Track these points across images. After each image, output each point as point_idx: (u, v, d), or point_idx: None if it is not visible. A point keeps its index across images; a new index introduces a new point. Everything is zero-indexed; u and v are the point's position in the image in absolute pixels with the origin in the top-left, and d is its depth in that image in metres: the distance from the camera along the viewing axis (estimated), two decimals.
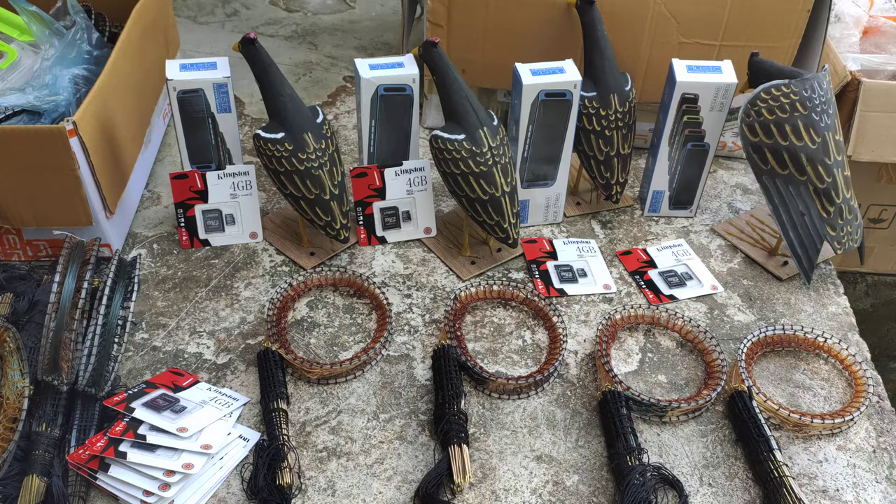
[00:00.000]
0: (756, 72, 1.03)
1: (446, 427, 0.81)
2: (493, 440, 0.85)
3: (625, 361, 0.94)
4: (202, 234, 1.06)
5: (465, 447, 0.80)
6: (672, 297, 1.03)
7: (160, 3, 1.21)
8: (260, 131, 0.98)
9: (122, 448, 0.76)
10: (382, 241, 1.09)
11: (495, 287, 1.00)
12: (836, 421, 0.86)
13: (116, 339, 0.87)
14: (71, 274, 0.86)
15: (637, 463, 0.79)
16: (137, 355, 0.92)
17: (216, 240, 1.07)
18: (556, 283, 1.03)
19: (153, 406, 0.81)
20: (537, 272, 1.05)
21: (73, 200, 0.94)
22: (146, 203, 1.14)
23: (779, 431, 0.87)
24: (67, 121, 0.88)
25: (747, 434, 0.83)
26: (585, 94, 1.05)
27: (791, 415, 0.86)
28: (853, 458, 0.85)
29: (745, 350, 0.91)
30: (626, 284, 1.05)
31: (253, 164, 1.06)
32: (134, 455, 0.76)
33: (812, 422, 0.85)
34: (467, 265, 1.05)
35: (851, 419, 0.87)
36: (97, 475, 0.76)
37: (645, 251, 1.09)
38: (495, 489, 0.80)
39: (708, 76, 1.03)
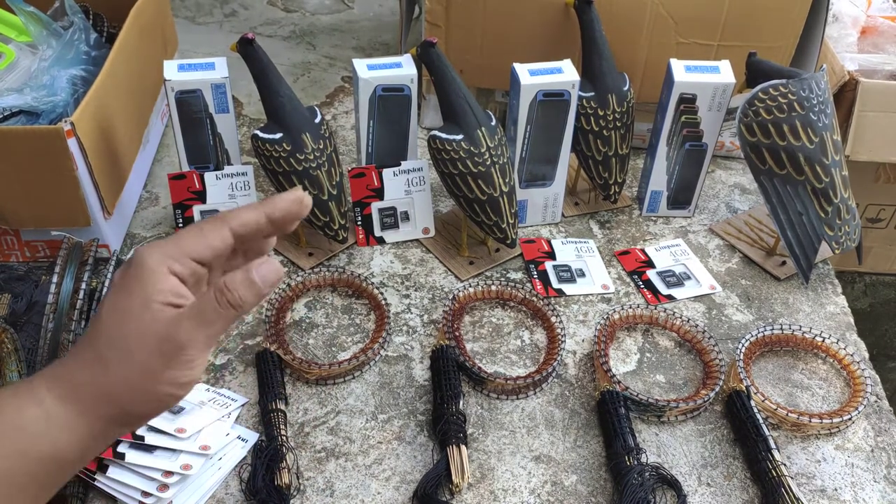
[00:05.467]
0: (754, 72, 1.03)
1: (445, 427, 0.81)
2: (492, 440, 0.85)
3: (623, 361, 0.94)
4: None
5: (463, 447, 0.80)
6: (670, 297, 1.03)
7: (158, 4, 1.20)
8: (258, 132, 0.98)
9: (120, 449, 0.76)
10: (381, 241, 1.09)
11: (493, 287, 1.00)
12: (835, 420, 0.86)
13: None
14: (69, 275, 0.86)
15: (635, 463, 0.79)
16: None
17: None
18: (555, 284, 1.03)
19: None
20: (535, 272, 1.05)
21: (71, 201, 0.93)
22: (144, 204, 1.14)
23: (777, 431, 0.87)
24: (65, 121, 0.88)
25: (745, 434, 0.83)
26: (583, 94, 1.05)
27: (789, 414, 0.86)
28: (851, 458, 0.85)
29: (743, 350, 0.91)
30: (624, 284, 1.05)
31: (251, 165, 1.06)
32: (132, 456, 0.76)
33: (810, 421, 0.85)
34: (465, 265, 1.06)
35: (849, 419, 0.87)
36: (95, 476, 0.76)
37: (643, 251, 1.09)
38: (494, 489, 0.80)
39: (706, 76, 1.03)
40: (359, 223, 1.07)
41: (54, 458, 0.46)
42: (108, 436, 0.49)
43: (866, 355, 0.97)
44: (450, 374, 0.87)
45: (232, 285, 0.48)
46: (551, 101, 1.01)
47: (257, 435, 0.83)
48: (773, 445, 0.81)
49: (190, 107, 1.00)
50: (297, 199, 0.51)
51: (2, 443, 0.45)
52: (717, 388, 0.88)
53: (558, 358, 0.91)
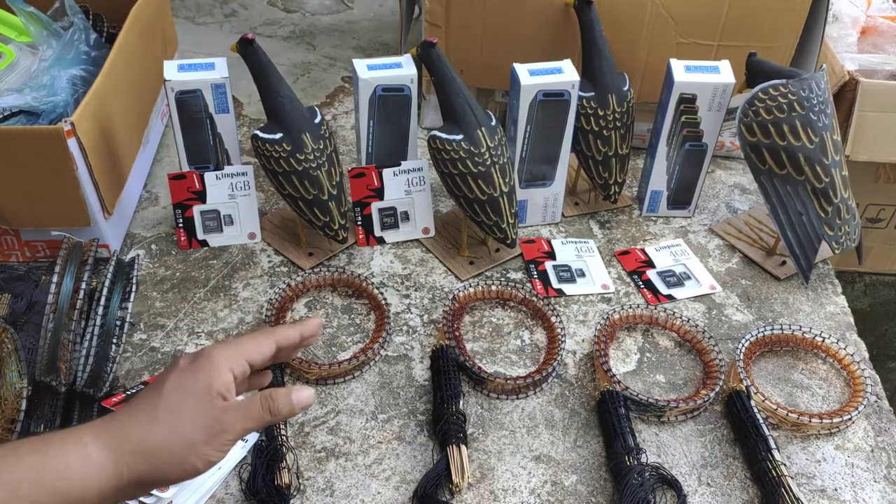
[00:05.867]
0: (754, 72, 1.03)
1: (445, 427, 0.82)
2: (492, 440, 0.85)
3: (623, 361, 0.94)
4: (200, 235, 1.06)
5: (463, 447, 0.80)
6: (670, 297, 1.03)
7: (158, 4, 1.20)
8: (258, 132, 0.98)
9: None
10: (381, 241, 1.09)
11: (494, 287, 1.00)
12: (835, 420, 0.86)
13: (115, 340, 0.86)
14: (69, 274, 0.86)
15: (635, 463, 0.79)
16: (136, 356, 0.92)
17: (214, 240, 1.07)
18: (555, 284, 1.03)
19: None
20: (535, 272, 1.05)
21: (71, 201, 0.94)
22: (144, 204, 1.14)
23: (777, 431, 0.87)
24: (65, 121, 0.88)
25: (745, 434, 0.83)
26: (583, 94, 1.05)
27: (789, 414, 0.86)
28: (851, 458, 0.85)
29: (743, 350, 0.91)
30: (624, 284, 1.05)
31: (251, 165, 1.06)
32: None
33: (810, 421, 0.85)
34: (466, 265, 1.06)
35: (849, 419, 0.87)
36: None
37: (643, 251, 1.09)
38: (494, 489, 0.80)
39: (706, 76, 1.03)
40: (359, 223, 1.07)
41: (82, 499, 0.52)
42: (126, 493, 0.55)
43: (866, 355, 0.97)
44: (450, 374, 0.87)
45: (276, 396, 0.59)
46: (551, 101, 1.01)
47: (257, 435, 0.83)
48: (773, 445, 0.81)
49: (190, 107, 1.00)
50: (320, 324, 0.66)
51: (40, 479, 0.51)
52: (717, 388, 0.88)
53: (558, 358, 0.91)
